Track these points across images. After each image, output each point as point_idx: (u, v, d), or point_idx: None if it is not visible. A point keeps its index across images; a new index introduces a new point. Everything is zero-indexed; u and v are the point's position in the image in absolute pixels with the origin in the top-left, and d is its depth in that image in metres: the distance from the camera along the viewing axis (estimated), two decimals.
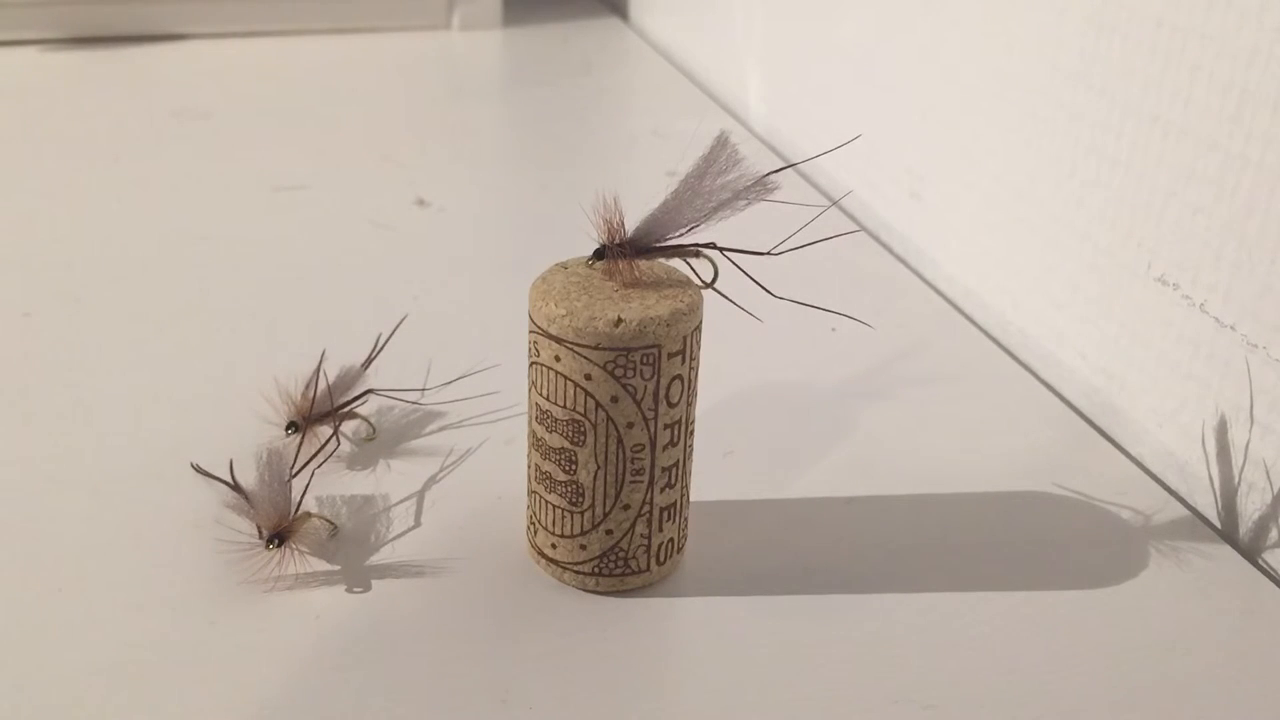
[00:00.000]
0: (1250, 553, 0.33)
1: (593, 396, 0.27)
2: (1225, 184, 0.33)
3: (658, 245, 0.28)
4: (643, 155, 0.61)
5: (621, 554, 0.29)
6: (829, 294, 0.34)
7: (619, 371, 0.27)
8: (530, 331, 0.28)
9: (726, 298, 0.29)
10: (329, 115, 0.66)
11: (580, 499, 0.29)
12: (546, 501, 0.29)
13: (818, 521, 0.33)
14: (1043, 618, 0.30)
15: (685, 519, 0.30)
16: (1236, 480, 0.33)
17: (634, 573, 0.30)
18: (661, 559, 0.30)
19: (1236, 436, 0.33)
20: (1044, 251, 0.41)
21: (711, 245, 0.28)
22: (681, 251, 0.29)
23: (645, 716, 0.26)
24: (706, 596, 0.30)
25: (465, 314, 0.44)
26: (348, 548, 0.31)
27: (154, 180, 0.56)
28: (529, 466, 0.30)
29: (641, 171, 0.58)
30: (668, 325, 0.27)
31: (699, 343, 0.28)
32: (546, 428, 0.28)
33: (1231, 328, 0.33)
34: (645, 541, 0.29)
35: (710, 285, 0.29)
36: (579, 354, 0.27)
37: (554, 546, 0.30)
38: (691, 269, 0.29)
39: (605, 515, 0.29)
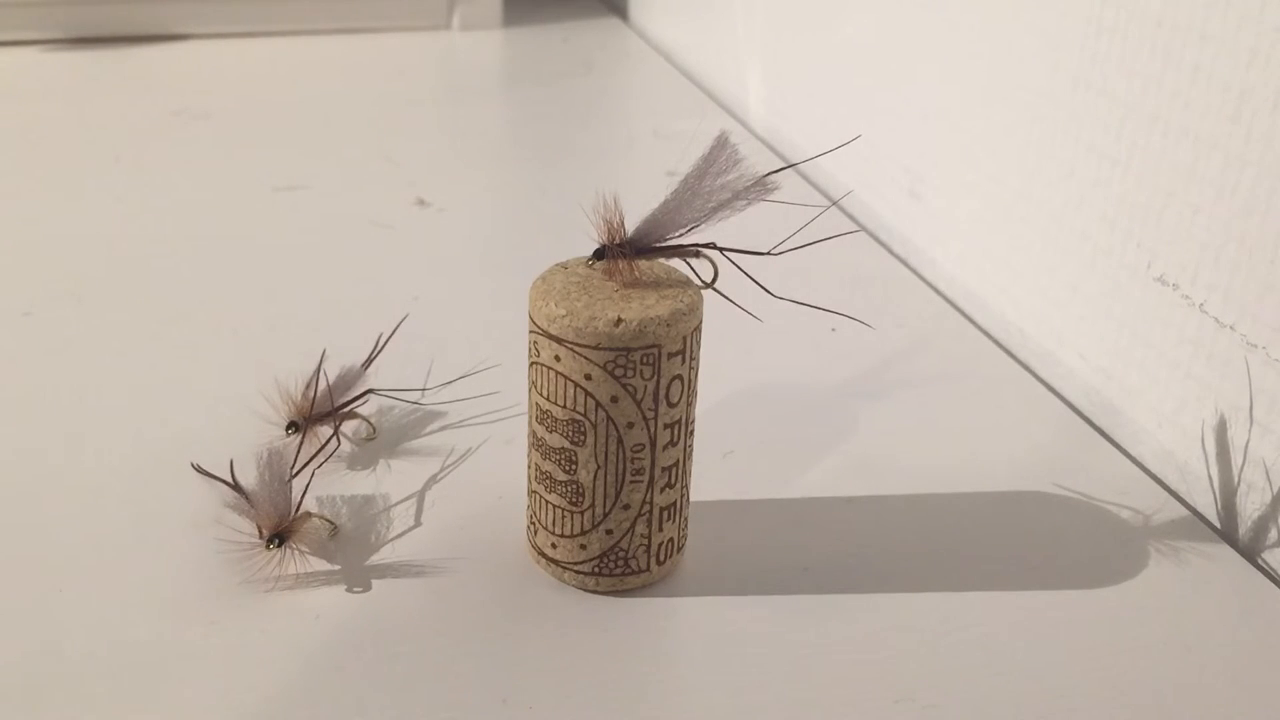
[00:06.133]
0: (1250, 553, 0.33)
1: (593, 396, 0.27)
2: (1225, 184, 0.33)
3: (658, 245, 0.28)
4: (643, 155, 0.61)
5: (621, 554, 0.29)
6: (829, 294, 0.34)
7: (619, 371, 0.27)
8: (530, 331, 0.28)
9: (726, 298, 0.29)
10: (329, 115, 0.66)
11: (580, 499, 0.29)
12: (546, 501, 0.29)
13: (818, 521, 0.33)
14: (1043, 618, 0.30)
15: (685, 519, 0.30)
16: (1236, 480, 0.33)
17: (634, 573, 0.30)
18: (661, 559, 0.30)
19: (1236, 436, 0.33)
20: (1044, 251, 0.41)
21: (711, 245, 0.28)
22: (681, 251, 0.29)
23: (645, 716, 0.26)
24: (706, 596, 0.30)
25: (465, 314, 0.44)
26: (348, 548, 0.31)
27: (154, 180, 0.56)
28: (529, 466, 0.30)
29: (641, 171, 0.58)
30: (668, 325, 0.27)
31: (699, 343, 0.28)
32: (547, 428, 0.28)
33: (1231, 328, 0.33)
34: (645, 541, 0.29)
35: (710, 285, 0.29)
36: (579, 354, 0.27)
37: (554, 546, 0.30)
38: (691, 269, 0.29)
39: (605, 515, 0.29)
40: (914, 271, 0.48)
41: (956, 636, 0.29)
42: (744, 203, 0.28)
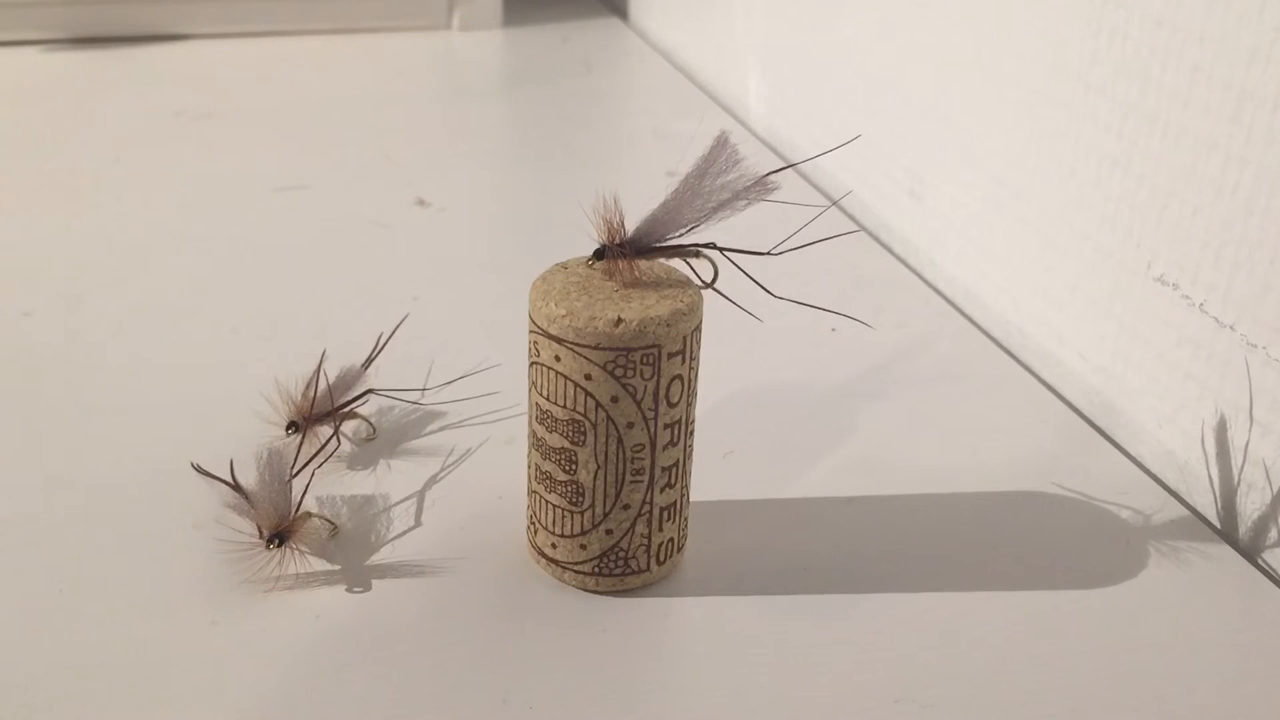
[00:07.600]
0: (1250, 553, 0.33)
1: (593, 396, 0.27)
2: (1225, 184, 0.33)
3: (658, 245, 0.29)
4: (643, 155, 0.61)
5: (621, 554, 0.29)
6: (829, 294, 0.34)
7: (619, 371, 0.27)
8: (530, 331, 0.28)
9: (726, 298, 0.29)
10: (329, 115, 0.66)
11: (580, 499, 0.29)
12: (547, 501, 0.29)
13: (818, 521, 0.33)
14: (1043, 618, 0.30)
15: (685, 519, 0.30)
16: (1236, 480, 0.33)
17: (634, 572, 0.30)
18: (661, 559, 0.30)
19: (1236, 436, 0.33)
20: (1044, 251, 0.41)
21: (711, 245, 0.28)
22: (681, 251, 0.29)
23: (645, 716, 0.26)
24: (706, 596, 0.30)
25: (465, 314, 0.44)
26: (348, 548, 0.31)
27: (154, 180, 0.56)
28: (529, 466, 0.30)
29: (641, 171, 0.58)
30: (668, 325, 0.27)
31: (699, 343, 0.28)
32: (547, 428, 0.28)
33: (1231, 328, 0.33)
34: (645, 541, 0.29)
35: (710, 285, 0.29)
36: (579, 354, 0.27)
37: (554, 546, 0.30)
38: (691, 269, 0.29)
39: (605, 515, 0.29)
40: (914, 271, 0.48)
41: (956, 636, 0.29)
42: (744, 203, 0.28)
